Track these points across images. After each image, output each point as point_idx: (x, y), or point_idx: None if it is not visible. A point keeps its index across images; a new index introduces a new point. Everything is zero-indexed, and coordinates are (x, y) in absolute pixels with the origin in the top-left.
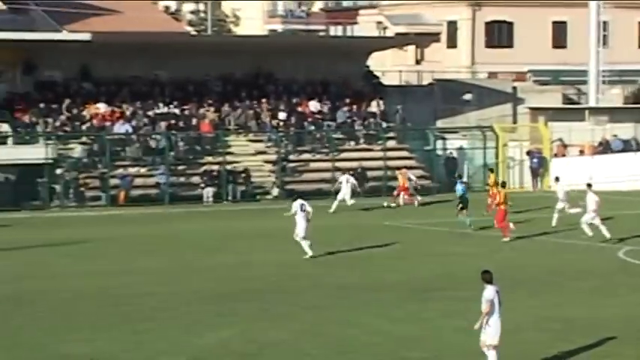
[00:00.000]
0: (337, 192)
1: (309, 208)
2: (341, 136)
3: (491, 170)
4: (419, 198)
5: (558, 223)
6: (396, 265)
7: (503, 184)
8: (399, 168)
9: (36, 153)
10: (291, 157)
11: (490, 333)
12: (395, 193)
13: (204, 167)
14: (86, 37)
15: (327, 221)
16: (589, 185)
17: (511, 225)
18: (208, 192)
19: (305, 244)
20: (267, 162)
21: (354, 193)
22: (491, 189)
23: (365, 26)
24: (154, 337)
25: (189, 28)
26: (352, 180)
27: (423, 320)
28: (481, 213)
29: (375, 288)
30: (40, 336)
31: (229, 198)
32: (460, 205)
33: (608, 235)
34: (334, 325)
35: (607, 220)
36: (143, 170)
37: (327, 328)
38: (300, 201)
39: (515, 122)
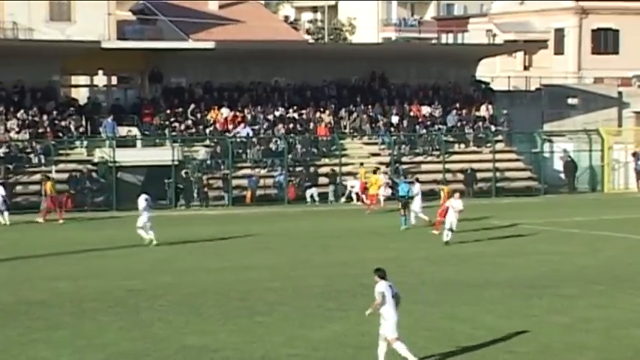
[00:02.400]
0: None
1: (151, 204)
2: (451, 139)
3: (375, 171)
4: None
5: None
6: (502, 263)
7: (446, 182)
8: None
9: (163, 155)
10: (404, 159)
11: (388, 327)
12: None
13: (312, 168)
14: (210, 45)
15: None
16: (456, 192)
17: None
18: (312, 192)
19: (143, 233)
20: (380, 164)
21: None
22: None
23: (475, 34)
24: (272, 330)
25: (307, 37)
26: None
27: (528, 316)
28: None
29: (481, 285)
30: (165, 328)
31: (335, 198)
32: (403, 203)
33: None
34: (444, 320)
35: None
36: (263, 171)
37: (437, 322)
38: (144, 196)
39: (620, 126)
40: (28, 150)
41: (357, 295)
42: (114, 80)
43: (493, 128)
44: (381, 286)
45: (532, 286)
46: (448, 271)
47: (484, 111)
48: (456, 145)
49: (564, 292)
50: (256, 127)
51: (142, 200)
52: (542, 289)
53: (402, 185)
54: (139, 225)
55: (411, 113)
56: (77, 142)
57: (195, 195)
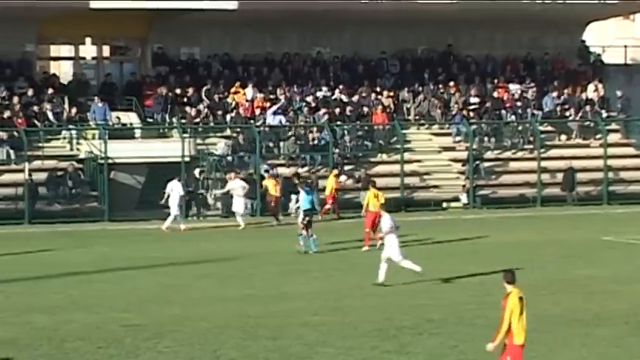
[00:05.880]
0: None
1: None
2: (549, 128)
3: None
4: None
5: None
6: (617, 292)
7: (373, 183)
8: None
9: (169, 149)
10: (486, 154)
11: None
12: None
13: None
14: (232, 5)
15: (529, 235)
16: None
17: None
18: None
19: None
20: (455, 161)
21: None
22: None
23: None
24: None
25: None
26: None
27: None
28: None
29: (588, 320)
30: None
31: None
32: (306, 220)
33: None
34: None
35: None
36: (301, 170)
37: None
38: None
39: None
40: None
41: (423, 333)
42: (106, 51)
43: (605, 114)
44: None
45: None
46: (543, 301)
47: (592, 91)
48: (556, 137)
49: None
50: (291, 112)
51: None
52: None
53: (304, 195)
54: None
55: (496, 94)
56: (59, 133)
57: (211, 202)
